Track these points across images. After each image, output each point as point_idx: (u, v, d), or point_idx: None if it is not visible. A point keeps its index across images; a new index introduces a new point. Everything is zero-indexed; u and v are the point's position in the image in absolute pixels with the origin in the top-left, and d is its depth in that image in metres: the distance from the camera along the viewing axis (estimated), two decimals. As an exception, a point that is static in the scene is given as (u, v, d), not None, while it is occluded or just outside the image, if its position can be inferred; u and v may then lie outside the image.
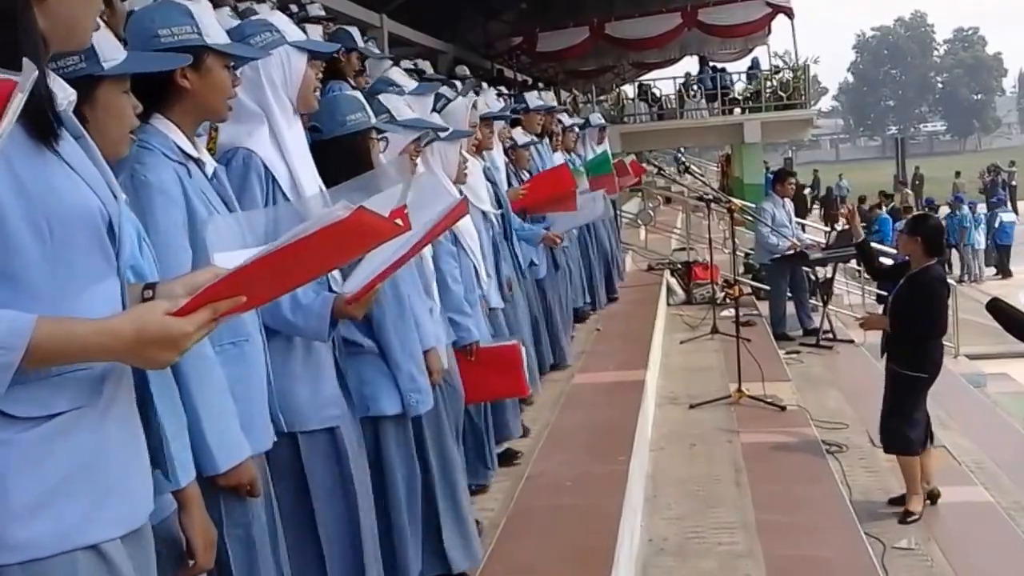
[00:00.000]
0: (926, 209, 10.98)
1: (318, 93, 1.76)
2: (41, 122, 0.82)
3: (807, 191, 15.27)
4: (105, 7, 1.99)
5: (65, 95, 0.88)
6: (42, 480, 0.81)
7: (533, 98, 4.44)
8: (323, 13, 3.96)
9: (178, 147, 1.30)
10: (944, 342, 3.37)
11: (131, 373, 0.91)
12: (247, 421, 1.30)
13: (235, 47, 1.40)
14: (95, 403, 0.85)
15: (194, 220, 1.28)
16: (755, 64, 12.37)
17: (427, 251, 2.11)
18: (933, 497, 3.34)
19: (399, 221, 0.96)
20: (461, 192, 2.35)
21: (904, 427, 3.25)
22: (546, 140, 4.52)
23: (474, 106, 2.84)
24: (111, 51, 1.08)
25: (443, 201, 1.43)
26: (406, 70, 3.43)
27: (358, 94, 1.91)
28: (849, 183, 17.29)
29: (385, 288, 1.79)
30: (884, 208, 12.25)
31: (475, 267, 2.56)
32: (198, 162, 1.32)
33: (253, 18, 1.67)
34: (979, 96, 50.02)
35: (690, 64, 13.16)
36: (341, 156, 1.73)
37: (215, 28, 1.34)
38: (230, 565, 1.28)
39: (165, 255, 1.19)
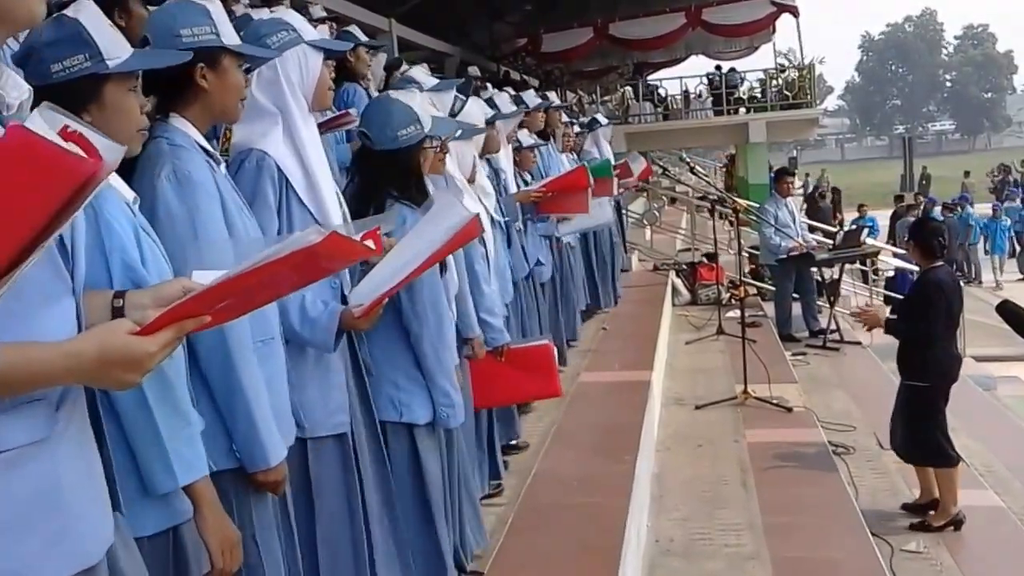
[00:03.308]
0: (922, 209, 10.84)
1: (331, 93, 1.77)
2: None
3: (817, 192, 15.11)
4: (123, 12, 2.00)
5: (19, 93, 0.81)
6: None
7: (531, 97, 4.42)
8: (324, 14, 3.97)
9: (198, 144, 1.32)
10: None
11: (84, 398, 0.87)
12: (276, 418, 1.32)
13: (251, 48, 1.42)
14: (49, 434, 0.81)
15: (226, 214, 1.31)
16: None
17: (451, 260, 2.09)
18: (958, 523, 3.14)
19: (371, 243, 0.94)
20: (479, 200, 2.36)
21: (923, 437, 3.15)
22: (552, 141, 4.51)
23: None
24: (115, 49, 1.07)
25: (455, 217, 1.42)
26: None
27: (415, 101, 1.87)
28: (829, 179, 16.97)
29: (426, 302, 1.82)
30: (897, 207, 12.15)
31: (489, 268, 2.57)
32: (215, 159, 1.35)
33: (268, 17, 1.67)
34: (989, 94, 49.62)
35: (693, 66, 13.19)
36: (389, 168, 1.74)
37: (230, 29, 1.36)
38: (263, 566, 1.29)
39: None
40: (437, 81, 2.72)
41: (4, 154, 0.62)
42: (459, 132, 2.38)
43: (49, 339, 0.79)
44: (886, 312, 3.50)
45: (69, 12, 1.06)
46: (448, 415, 1.87)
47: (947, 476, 3.19)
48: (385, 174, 1.71)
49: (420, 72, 2.83)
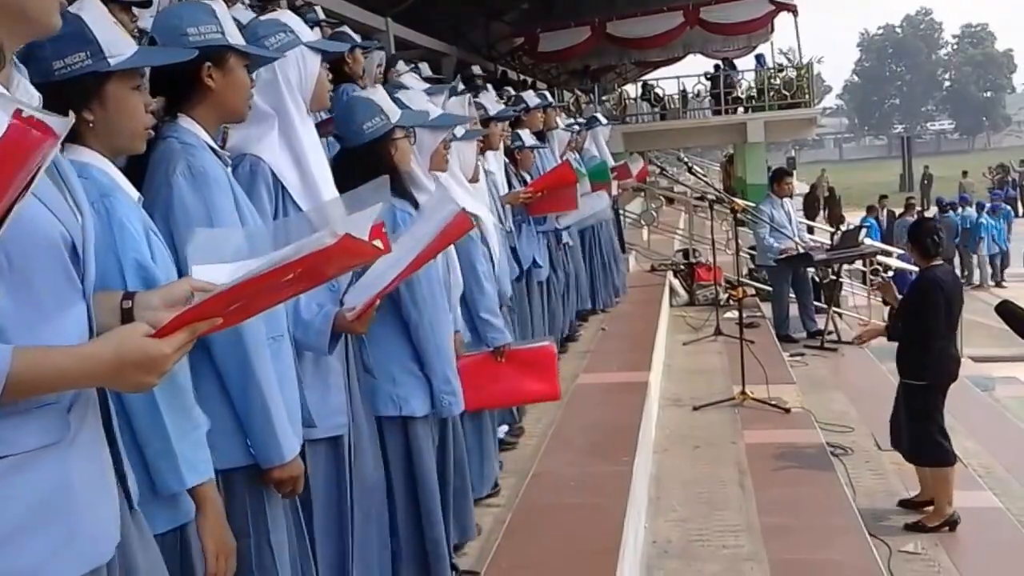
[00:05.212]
0: (922, 209, 10.78)
1: (330, 94, 1.77)
2: None
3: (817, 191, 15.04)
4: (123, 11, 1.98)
5: (29, 99, 0.83)
6: (4, 518, 0.78)
7: (532, 96, 4.42)
8: (323, 16, 3.97)
9: (207, 144, 1.32)
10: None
11: (96, 401, 0.88)
12: (287, 414, 1.32)
13: (257, 48, 1.43)
14: (61, 439, 0.82)
15: (239, 210, 1.32)
16: (760, 61, 12.30)
17: (454, 262, 2.11)
18: (953, 524, 3.15)
19: (378, 242, 0.95)
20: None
21: (926, 437, 3.15)
22: (547, 142, 4.50)
23: (470, 104, 2.82)
24: (117, 47, 1.07)
25: (442, 211, 1.42)
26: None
27: (377, 94, 1.89)
28: (828, 179, 16.85)
29: (423, 293, 1.82)
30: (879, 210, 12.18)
31: (495, 268, 2.56)
32: (222, 159, 1.35)
33: (265, 18, 1.66)
34: (988, 94, 49.57)
35: (692, 65, 13.18)
36: (364, 163, 1.76)
37: (235, 29, 1.37)
38: (276, 569, 1.29)
39: None
40: (427, 87, 2.72)
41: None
42: (462, 132, 2.37)
43: (63, 344, 0.81)
44: (881, 326, 3.49)
45: (72, 9, 1.05)
46: (450, 402, 1.89)
47: (943, 476, 3.19)
48: (361, 169, 1.70)
49: (411, 78, 2.81)
